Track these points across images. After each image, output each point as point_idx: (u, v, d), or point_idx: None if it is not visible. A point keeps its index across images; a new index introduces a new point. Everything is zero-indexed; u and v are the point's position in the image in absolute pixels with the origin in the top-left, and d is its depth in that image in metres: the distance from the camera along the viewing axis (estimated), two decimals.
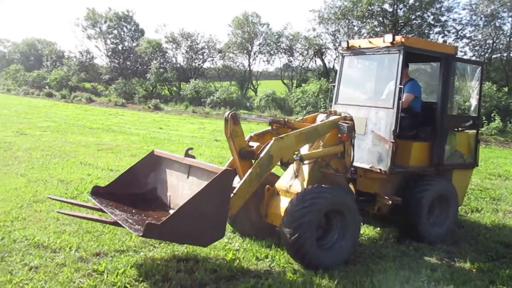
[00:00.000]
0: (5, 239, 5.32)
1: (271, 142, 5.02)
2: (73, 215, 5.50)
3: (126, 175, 5.62)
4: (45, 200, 7.02)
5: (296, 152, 5.33)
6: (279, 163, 5.21)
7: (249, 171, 4.87)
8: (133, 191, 5.51)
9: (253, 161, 5.15)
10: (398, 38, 5.78)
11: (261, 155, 4.96)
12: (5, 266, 4.61)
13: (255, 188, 4.94)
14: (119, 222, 4.43)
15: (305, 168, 5.50)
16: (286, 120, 5.71)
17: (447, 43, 25.17)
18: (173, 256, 5.11)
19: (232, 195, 4.60)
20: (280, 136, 5.16)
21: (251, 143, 5.42)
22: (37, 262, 4.73)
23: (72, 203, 5.94)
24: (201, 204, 4.20)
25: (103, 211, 4.96)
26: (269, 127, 5.70)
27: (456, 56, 6.47)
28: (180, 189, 5.33)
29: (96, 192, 5.29)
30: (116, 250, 5.19)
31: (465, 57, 23.64)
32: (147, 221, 4.05)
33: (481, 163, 7.09)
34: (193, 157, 5.39)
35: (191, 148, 5.48)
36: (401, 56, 5.75)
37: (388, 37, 5.81)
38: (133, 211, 5.05)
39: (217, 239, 4.58)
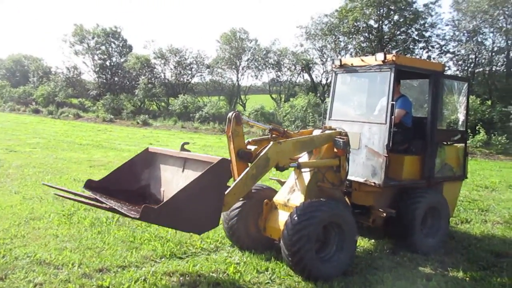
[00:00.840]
0: (6, 256, 5.34)
1: (269, 145, 5.20)
2: (69, 198, 5.39)
3: (120, 172, 5.54)
4: (43, 217, 7.06)
5: (295, 163, 5.50)
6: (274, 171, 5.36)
7: (246, 170, 5.02)
8: (126, 187, 5.43)
9: (249, 164, 5.25)
10: (390, 56, 6.02)
11: (259, 156, 5.12)
12: (10, 284, 4.65)
13: (250, 188, 5.09)
14: (115, 208, 4.43)
15: (303, 182, 5.66)
16: (285, 130, 5.89)
17: (432, 58, 25.84)
18: (176, 270, 5.19)
19: (226, 192, 4.70)
20: (278, 141, 5.33)
21: (248, 147, 5.56)
22: (41, 279, 4.77)
23: (66, 191, 5.75)
24: (197, 191, 4.26)
25: (98, 201, 4.88)
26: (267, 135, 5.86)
27: (444, 73, 6.74)
28: (175, 183, 5.29)
29: (90, 185, 5.25)
30: (118, 266, 5.25)
31: (448, 71, 24.29)
32: (144, 204, 4.08)
33: (468, 175, 7.32)
34: (189, 151, 5.40)
35: (187, 143, 5.51)
36: (393, 74, 5.99)
37: (380, 56, 6.06)
38: (127, 203, 5.01)
39: (211, 228, 4.64)
